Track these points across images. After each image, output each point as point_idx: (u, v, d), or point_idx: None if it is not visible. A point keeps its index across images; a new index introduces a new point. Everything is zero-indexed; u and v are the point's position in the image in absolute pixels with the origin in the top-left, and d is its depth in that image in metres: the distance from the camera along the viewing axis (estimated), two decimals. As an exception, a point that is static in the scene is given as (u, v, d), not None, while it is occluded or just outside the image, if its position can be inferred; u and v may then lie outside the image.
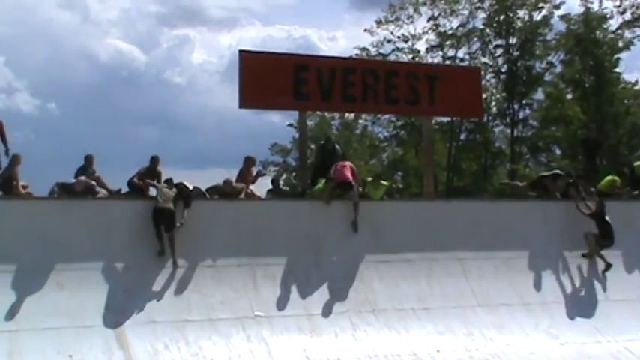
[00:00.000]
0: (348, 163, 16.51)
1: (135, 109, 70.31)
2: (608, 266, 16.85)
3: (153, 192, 14.95)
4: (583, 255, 16.92)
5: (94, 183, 14.83)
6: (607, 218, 17.00)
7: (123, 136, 63.89)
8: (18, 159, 14.97)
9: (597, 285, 16.62)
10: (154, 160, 16.04)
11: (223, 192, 15.73)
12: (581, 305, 16.17)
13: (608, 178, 19.58)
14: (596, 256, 16.91)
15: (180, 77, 73.94)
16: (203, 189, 15.55)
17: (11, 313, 12.38)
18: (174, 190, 14.61)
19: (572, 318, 15.82)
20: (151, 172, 15.77)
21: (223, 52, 73.57)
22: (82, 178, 14.79)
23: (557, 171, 19.69)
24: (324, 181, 16.10)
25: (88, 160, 15.79)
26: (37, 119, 68.88)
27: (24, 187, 14.86)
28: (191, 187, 14.89)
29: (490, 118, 43.80)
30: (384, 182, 16.68)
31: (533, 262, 16.55)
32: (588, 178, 19.12)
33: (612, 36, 42.16)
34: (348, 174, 15.93)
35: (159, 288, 13.62)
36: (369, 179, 16.83)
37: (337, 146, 18.54)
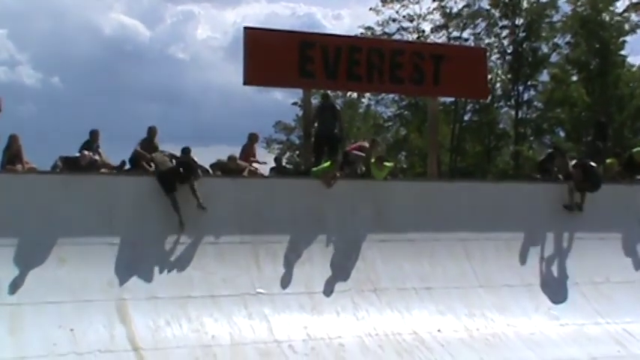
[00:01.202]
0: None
1: (138, 85, 70.41)
2: (579, 206, 17.06)
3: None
4: (564, 206, 17.05)
5: (97, 158, 14.82)
6: (592, 164, 17.32)
7: (126, 111, 63.94)
8: (16, 139, 14.92)
9: (598, 267, 16.57)
10: (152, 131, 16.00)
11: (227, 168, 15.71)
12: (581, 287, 16.16)
13: (608, 160, 19.62)
14: (571, 195, 17.10)
15: (184, 53, 73.96)
16: (207, 165, 15.56)
17: (13, 288, 12.36)
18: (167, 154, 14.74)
19: (572, 300, 15.83)
20: (148, 143, 15.75)
21: (227, 28, 73.61)
22: (87, 152, 14.76)
23: (549, 150, 19.79)
24: (329, 162, 16.02)
25: (94, 135, 15.75)
26: (39, 93, 69.13)
27: (26, 163, 14.87)
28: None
29: (495, 99, 43.68)
30: (388, 164, 16.67)
31: (535, 243, 16.55)
32: (599, 159, 19.16)
33: (619, 18, 42.03)
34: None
35: (161, 264, 13.61)
36: (372, 160, 16.78)
37: (336, 105, 18.52)
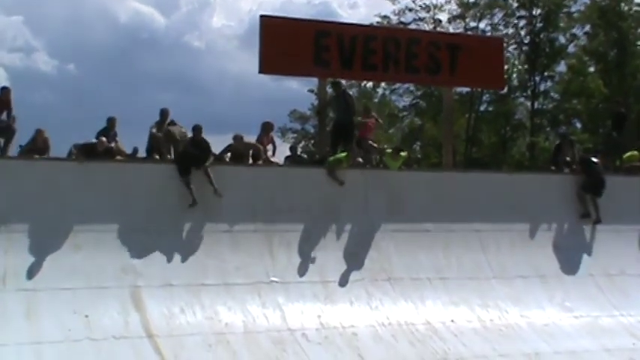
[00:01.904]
0: (371, 121, 16.95)
1: (153, 72, 70.39)
2: (597, 219, 16.90)
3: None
4: (581, 216, 16.95)
5: (113, 146, 14.87)
6: (594, 160, 17.35)
7: (141, 99, 63.88)
8: (42, 133, 14.96)
9: (613, 259, 16.52)
10: (164, 113, 16.01)
11: (236, 149, 15.66)
12: (596, 279, 16.11)
13: (628, 153, 19.49)
14: (582, 202, 17.01)
15: (199, 41, 73.87)
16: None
17: (28, 274, 12.47)
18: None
19: (587, 291, 15.78)
20: (161, 125, 15.80)
21: (243, 16, 73.44)
22: (103, 138, 14.79)
23: (557, 141, 19.76)
24: (345, 153, 15.97)
25: (111, 122, 15.78)
26: (55, 80, 69.25)
27: (46, 139, 14.97)
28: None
29: (511, 89, 43.47)
30: (403, 154, 16.66)
31: (549, 235, 16.53)
32: (616, 151, 19.08)
33: (637, 8, 41.60)
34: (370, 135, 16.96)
35: (175, 252, 13.67)
36: (388, 151, 16.78)
37: (348, 92, 18.51)
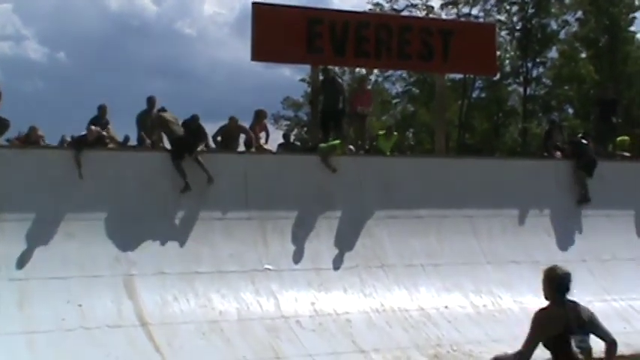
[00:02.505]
0: (368, 90, 17.04)
1: (145, 60, 70.21)
2: (585, 197, 17.00)
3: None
4: (578, 202, 17.01)
5: (104, 134, 14.79)
6: (584, 141, 17.51)
7: (133, 87, 63.78)
8: (36, 130, 14.94)
9: (605, 244, 16.58)
10: (151, 101, 15.96)
11: (229, 130, 15.65)
12: (588, 264, 16.15)
13: (619, 138, 19.55)
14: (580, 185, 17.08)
15: (190, 28, 73.65)
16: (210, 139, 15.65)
17: (21, 262, 12.42)
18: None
19: (579, 276, 15.61)
20: (149, 113, 15.77)
21: (234, 3, 73.18)
22: (94, 127, 14.72)
23: (547, 127, 19.82)
24: (338, 140, 15.97)
25: (102, 110, 15.72)
26: (46, 68, 68.98)
27: (40, 137, 14.92)
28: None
29: (503, 76, 43.50)
30: (395, 133, 16.70)
31: (542, 220, 16.56)
32: (602, 138, 19.10)
33: (628, -5, 41.70)
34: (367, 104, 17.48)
35: (168, 240, 13.64)
36: (381, 132, 16.82)
37: (337, 79, 18.55)
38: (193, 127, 14.70)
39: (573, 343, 6.38)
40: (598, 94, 29.77)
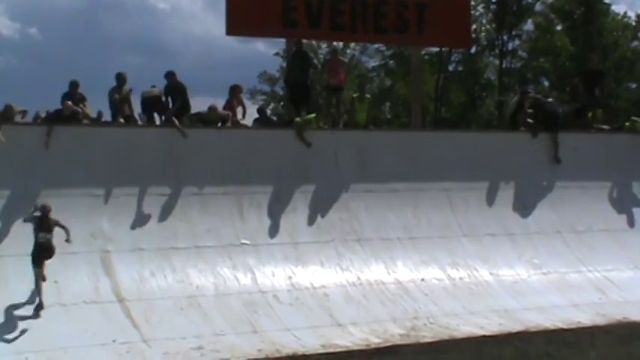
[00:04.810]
0: (343, 61, 16.90)
1: (119, 35, 69.56)
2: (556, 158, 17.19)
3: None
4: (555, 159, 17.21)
5: (79, 110, 14.64)
6: (548, 100, 17.95)
7: (106, 62, 63.04)
8: (11, 108, 14.73)
9: (580, 216, 16.69)
10: (121, 77, 15.78)
11: (208, 119, 15.59)
12: (564, 235, 16.28)
13: (632, 118, 19.14)
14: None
15: (164, 3, 73.00)
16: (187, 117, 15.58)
17: (-4, 240, 12.38)
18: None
19: (555, 248, 15.94)
20: (119, 89, 15.62)
21: (207, -24, 72.54)
22: (69, 102, 14.57)
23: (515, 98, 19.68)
24: (314, 114, 15.92)
25: (73, 85, 15.50)
26: (17, 43, 68.15)
27: (23, 112, 14.77)
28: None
29: (479, 49, 43.53)
30: (368, 95, 16.76)
31: (517, 193, 16.63)
32: (586, 110, 19.01)
33: (603, -34, 41.74)
34: (342, 76, 17.31)
35: (144, 215, 13.62)
36: (355, 95, 16.85)
37: (309, 53, 18.49)
38: (173, 84, 14.79)
39: None
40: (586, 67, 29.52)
